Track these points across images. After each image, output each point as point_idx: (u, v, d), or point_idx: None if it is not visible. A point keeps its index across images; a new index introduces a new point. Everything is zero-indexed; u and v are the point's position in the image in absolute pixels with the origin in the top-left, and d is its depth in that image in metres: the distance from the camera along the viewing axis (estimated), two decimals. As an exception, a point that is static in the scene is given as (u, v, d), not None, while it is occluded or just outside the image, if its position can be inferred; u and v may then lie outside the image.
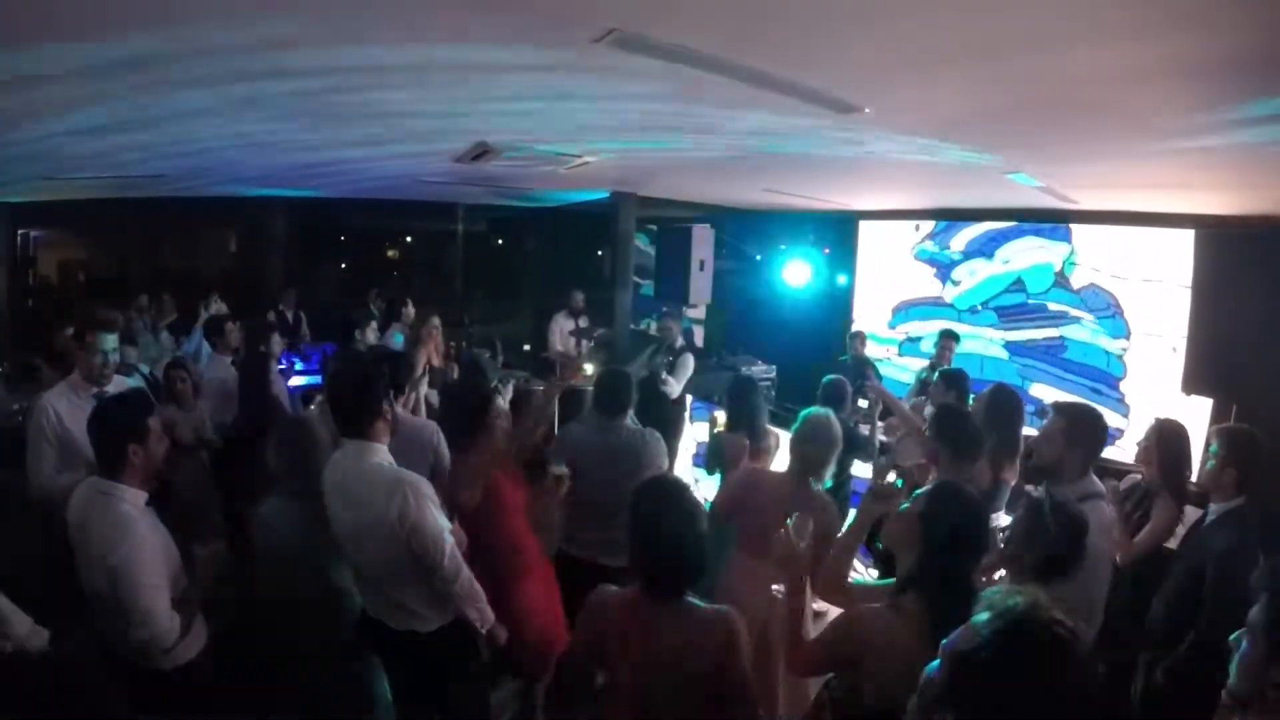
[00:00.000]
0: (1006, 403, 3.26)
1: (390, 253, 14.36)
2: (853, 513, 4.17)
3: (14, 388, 4.20)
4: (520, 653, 2.73)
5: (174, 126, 3.32)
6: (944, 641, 1.20)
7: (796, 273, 7.31)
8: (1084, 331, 5.42)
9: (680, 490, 1.88)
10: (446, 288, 10.03)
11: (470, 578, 2.27)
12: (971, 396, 3.93)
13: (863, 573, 3.15)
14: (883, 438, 4.22)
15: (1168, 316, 5.03)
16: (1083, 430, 2.54)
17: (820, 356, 6.11)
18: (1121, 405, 5.22)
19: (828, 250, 7.72)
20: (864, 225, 7.14)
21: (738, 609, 1.85)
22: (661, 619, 1.75)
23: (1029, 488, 3.36)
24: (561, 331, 6.92)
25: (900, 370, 6.72)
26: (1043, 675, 1.08)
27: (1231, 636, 1.62)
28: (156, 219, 8.63)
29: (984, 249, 6.17)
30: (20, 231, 8.36)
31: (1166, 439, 2.75)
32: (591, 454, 2.97)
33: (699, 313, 8.07)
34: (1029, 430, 3.22)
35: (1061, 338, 5.60)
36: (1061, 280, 5.63)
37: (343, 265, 13.16)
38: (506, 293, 10.98)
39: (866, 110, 2.84)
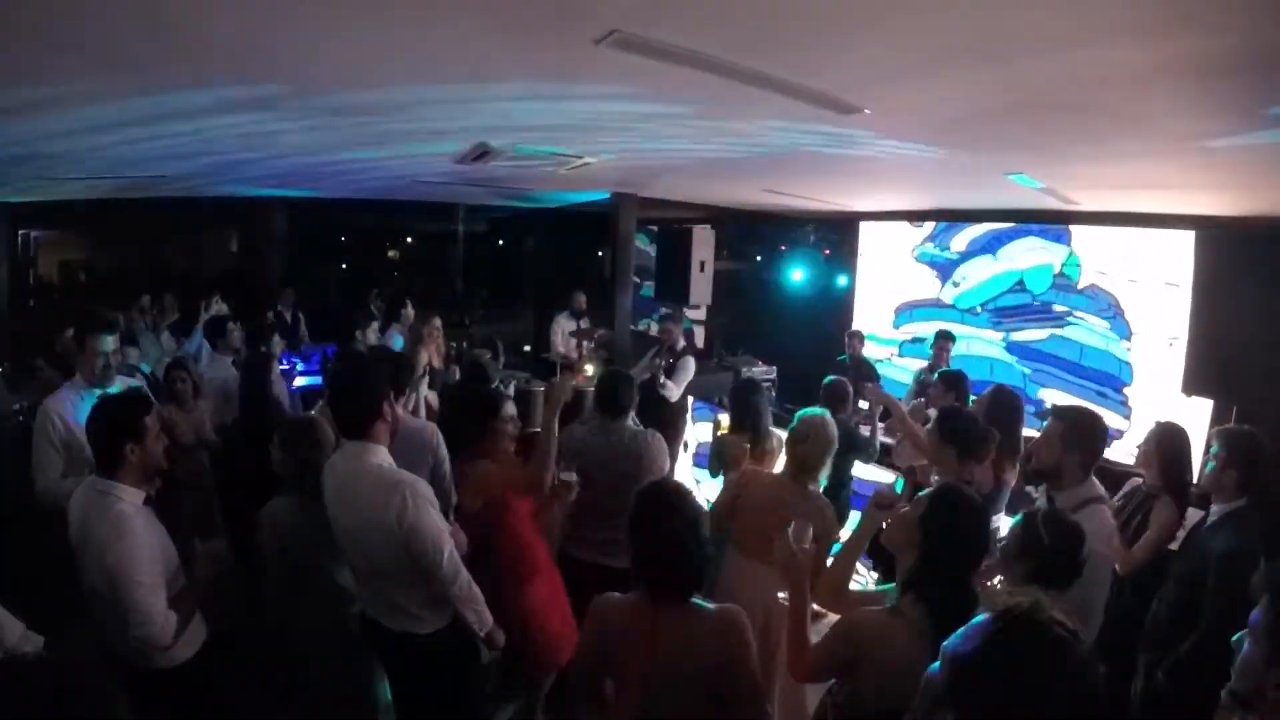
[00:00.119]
0: (1007, 404, 3.27)
1: (391, 253, 14.36)
2: (854, 514, 4.21)
3: (15, 387, 4.21)
4: (525, 657, 2.73)
5: (175, 127, 3.33)
6: (945, 643, 1.20)
7: (797, 274, 7.32)
8: (1094, 337, 5.41)
9: (681, 495, 1.88)
10: (447, 288, 10.05)
11: (469, 580, 2.26)
12: (972, 398, 3.94)
13: (864, 575, 3.15)
14: (884, 439, 4.22)
15: (1168, 318, 5.03)
16: (1081, 434, 2.52)
17: (821, 358, 6.11)
18: (1124, 408, 5.22)
19: (828, 251, 7.73)
20: (864, 226, 7.15)
21: None
22: (668, 622, 1.75)
23: (1029, 489, 3.38)
24: (563, 332, 6.92)
25: (899, 370, 6.73)
26: (1042, 675, 1.08)
27: (1233, 638, 1.63)
28: (157, 219, 8.63)
29: (984, 250, 6.17)
30: (21, 231, 8.36)
31: (1167, 442, 2.75)
32: (593, 455, 2.97)
33: (700, 314, 8.08)
34: (1030, 431, 3.23)
35: (1069, 340, 5.58)
36: (1062, 281, 5.63)
37: (343, 265, 13.17)
38: (507, 293, 10.99)
39: (867, 111, 2.84)
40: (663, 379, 4.81)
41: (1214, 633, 2.21)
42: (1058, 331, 5.64)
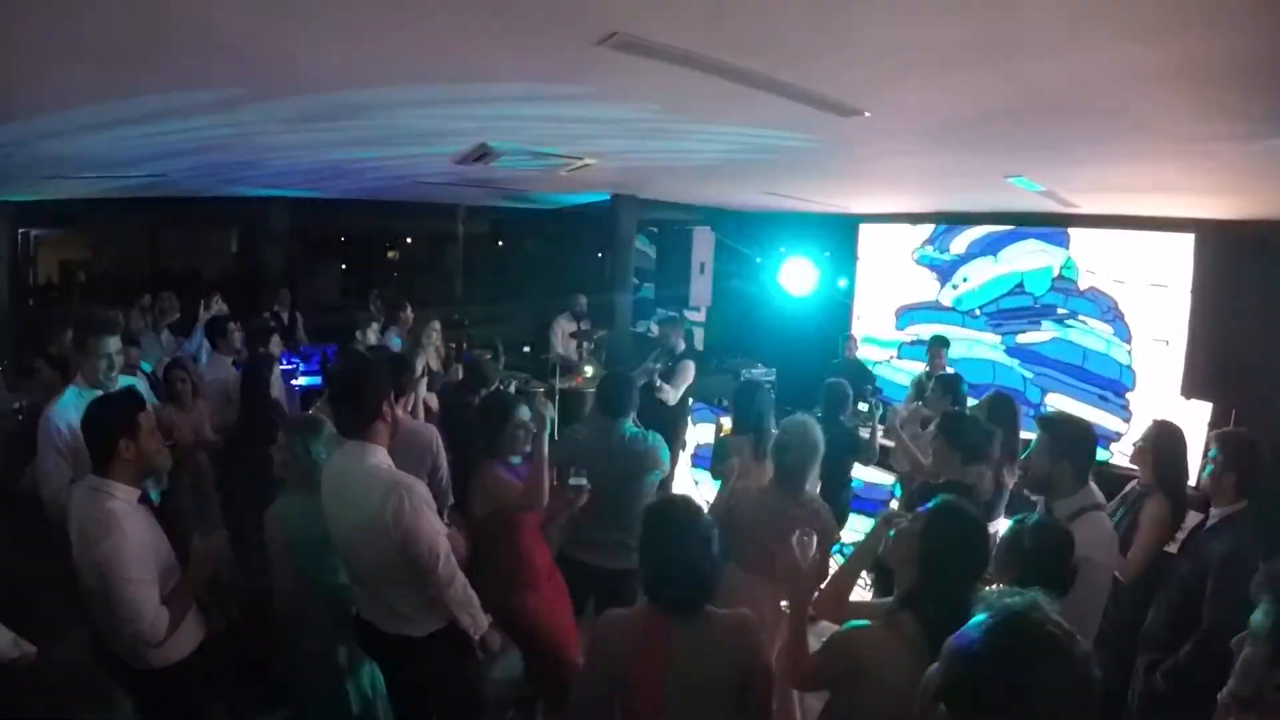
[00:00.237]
0: (1005, 408, 3.28)
1: (390, 254, 14.34)
2: (853, 517, 4.21)
3: (14, 385, 4.20)
4: (543, 660, 2.74)
5: (176, 127, 3.33)
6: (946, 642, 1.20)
7: (796, 276, 7.31)
8: (1096, 341, 5.41)
9: (692, 509, 1.88)
10: (447, 289, 10.04)
11: (464, 583, 2.25)
12: (972, 401, 3.95)
13: (862, 588, 3.14)
14: (883, 441, 4.23)
15: (1167, 321, 5.03)
16: (1068, 442, 2.49)
17: (820, 360, 6.12)
18: (1125, 411, 5.22)
19: (828, 253, 7.72)
20: (864, 228, 7.14)
21: None
22: (682, 631, 1.75)
23: (1027, 491, 3.38)
24: (563, 333, 6.91)
25: (897, 372, 6.74)
26: (1036, 673, 1.08)
27: (1233, 640, 1.63)
28: (157, 219, 8.63)
29: (984, 252, 6.18)
30: (21, 231, 8.35)
31: (1162, 440, 2.75)
32: (594, 457, 2.96)
33: (700, 315, 8.08)
34: (1027, 435, 3.23)
35: (1070, 344, 5.58)
36: (1062, 284, 5.63)
37: (343, 266, 13.15)
38: (507, 294, 10.98)
39: (867, 114, 2.85)
40: (658, 382, 4.79)
41: (1213, 635, 2.21)
42: (1059, 335, 5.64)
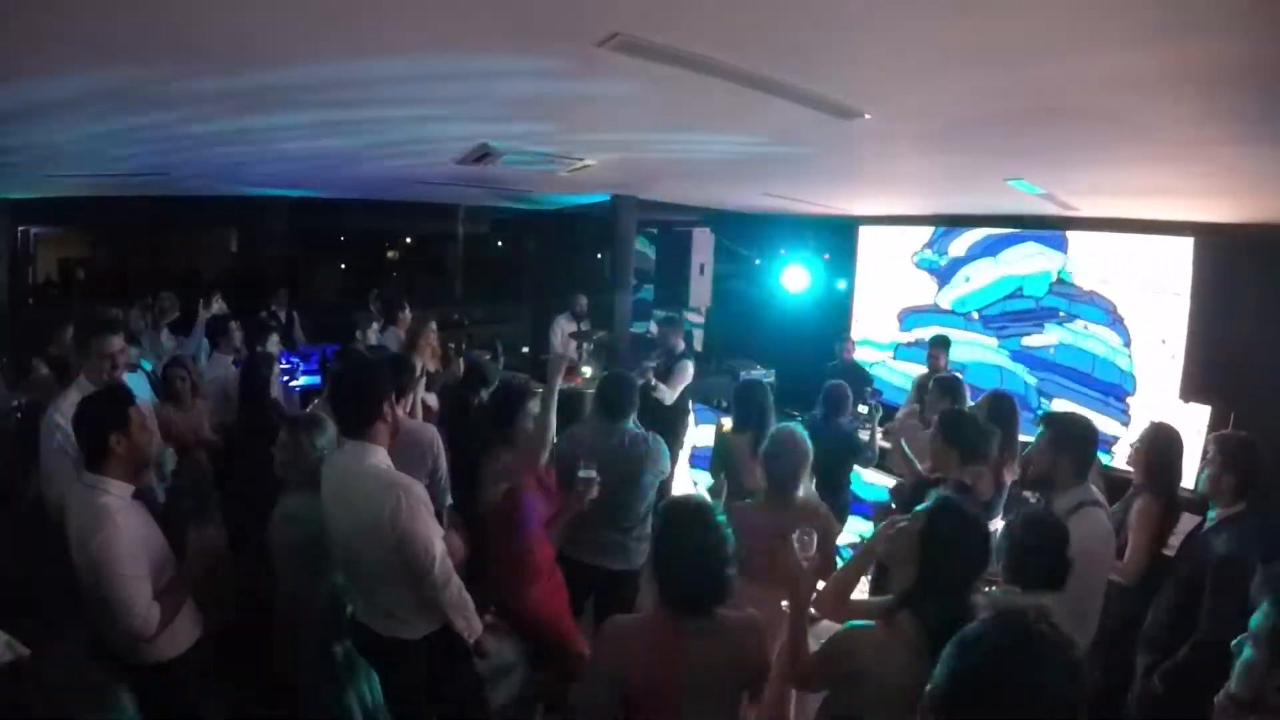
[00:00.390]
0: (1004, 407, 3.28)
1: (390, 254, 14.34)
2: (852, 519, 4.21)
3: (13, 384, 4.20)
4: (549, 650, 2.74)
5: (176, 126, 3.33)
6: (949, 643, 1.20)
7: (796, 277, 7.32)
8: (1099, 345, 5.41)
9: (706, 509, 1.86)
10: (447, 289, 10.04)
11: (459, 586, 2.24)
12: (971, 403, 3.95)
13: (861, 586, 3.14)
14: (882, 443, 4.23)
15: (1166, 324, 5.04)
16: (1070, 438, 2.54)
17: (820, 361, 6.12)
18: (1125, 415, 5.23)
19: (827, 256, 7.73)
20: (864, 230, 7.16)
21: None
22: (695, 633, 1.74)
23: (1025, 493, 3.39)
24: (562, 333, 6.91)
25: (894, 374, 6.76)
26: (1030, 679, 1.08)
27: (1233, 642, 1.63)
28: (157, 217, 8.62)
29: (983, 255, 6.18)
30: (21, 228, 8.35)
31: (1157, 441, 2.76)
32: (594, 457, 2.95)
33: (699, 317, 8.09)
34: (1027, 438, 3.24)
35: (1073, 349, 5.58)
36: (1061, 287, 5.64)
37: (343, 266, 13.15)
38: (507, 294, 10.98)
39: (868, 116, 2.85)
40: (654, 381, 4.79)
41: (1211, 637, 2.22)
42: (1060, 339, 5.64)
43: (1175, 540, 2.78)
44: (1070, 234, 5.55)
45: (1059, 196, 4.59)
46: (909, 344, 6.77)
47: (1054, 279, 5.67)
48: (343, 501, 2.21)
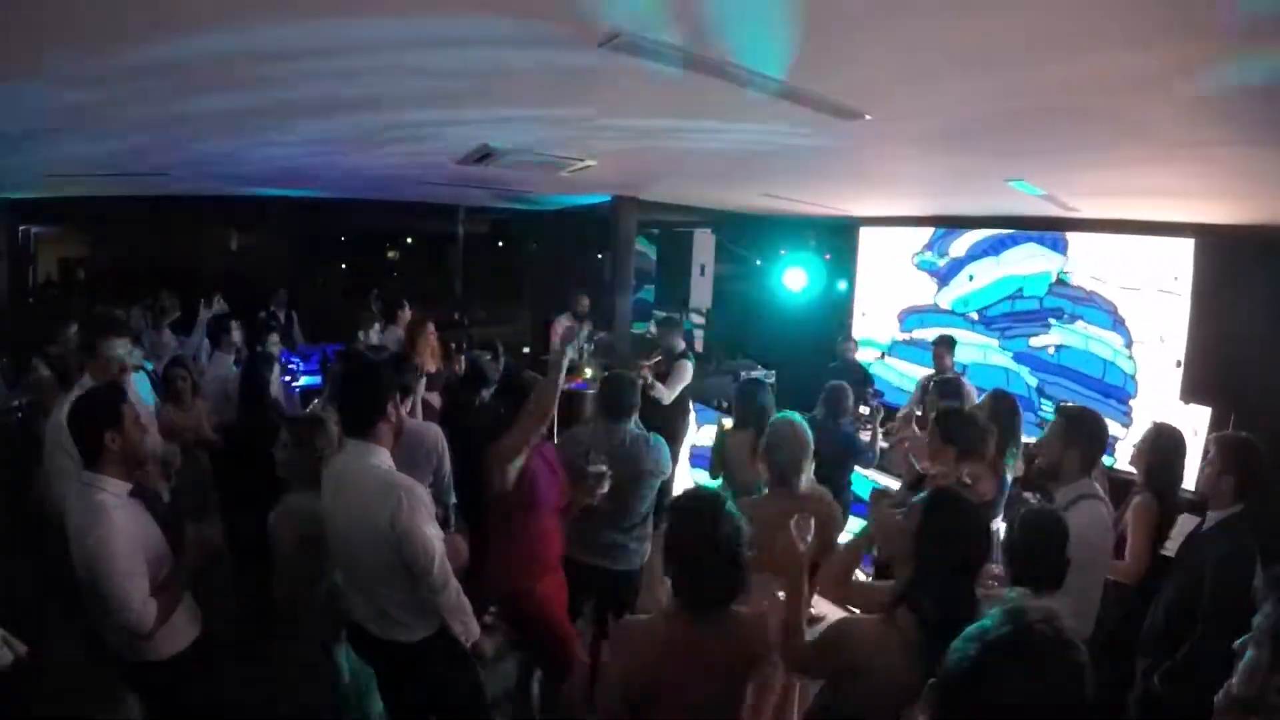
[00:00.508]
0: (1006, 406, 3.28)
1: (391, 253, 14.37)
2: (852, 519, 4.22)
3: (14, 383, 4.20)
4: (550, 646, 2.73)
5: (177, 124, 3.33)
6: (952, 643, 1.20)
7: (796, 278, 7.33)
8: (1102, 347, 5.41)
9: (722, 502, 1.84)
10: (447, 289, 10.04)
11: (458, 589, 2.23)
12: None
13: (862, 579, 3.15)
14: (883, 444, 4.23)
15: (1167, 325, 5.04)
16: (1081, 430, 2.60)
17: (820, 362, 6.13)
18: (1126, 416, 5.23)
19: (828, 256, 7.73)
20: (864, 231, 7.16)
21: None
22: (710, 630, 1.73)
23: (1026, 494, 3.39)
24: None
25: (888, 370, 6.77)
26: (1031, 673, 1.09)
27: (1235, 643, 1.63)
28: (157, 217, 8.63)
29: (983, 256, 6.19)
30: (21, 228, 8.35)
31: (1159, 441, 2.78)
32: (590, 456, 2.95)
33: (700, 317, 8.09)
34: (1027, 438, 3.25)
35: (1076, 351, 5.58)
36: (1061, 289, 5.64)
37: (343, 266, 13.17)
38: (507, 295, 10.99)
39: (868, 117, 2.85)
40: (650, 380, 4.79)
41: (1210, 637, 2.22)
42: (1062, 341, 5.64)
43: (1175, 541, 2.78)
44: (1070, 235, 5.55)
45: (1059, 197, 4.59)
46: (905, 341, 6.77)
47: (1054, 280, 5.67)
48: (343, 501, 2.21)
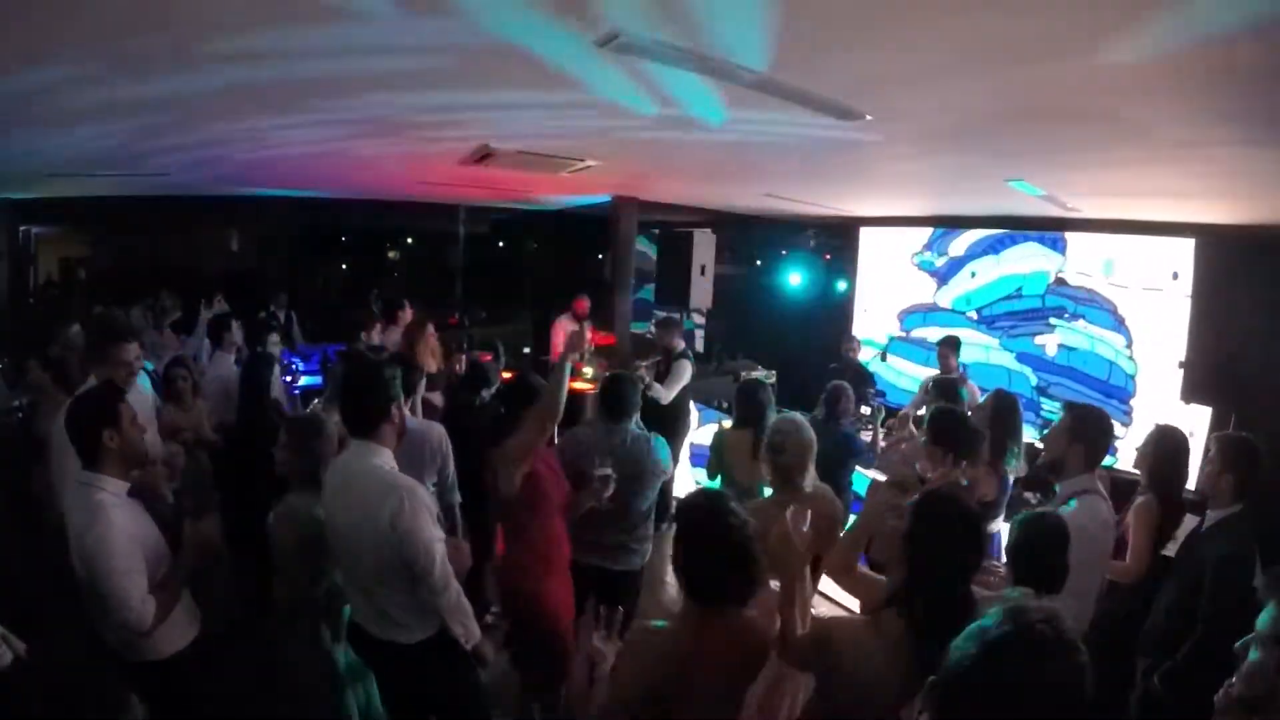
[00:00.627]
0: (1008, 407, 3.28)
1: (391, 253, 14.37)
2: (853, 519, 4.21)
3: (14, 384, 4.21)
4: (551, 651, 2.71)
5: (177, 124, 3.33)
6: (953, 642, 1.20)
7: (797, 278, 7.34)
8: (1101, 346, 5.42)
9: (729, 500, 1.81)
10: (447, 289, 10.05)
11: (459, 591, 2.22)
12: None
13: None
14: (884, 444, 4.23)
15: (1167, 325, 5.04)
16: (1087, 427, 2.62)
17: (821, 362, 6.13)
18: (1127, 416, 5.23)
19: (828, 256, 7.75)
20: (865, 232, 7.16)
21: None
22: (723, 632, 1.71)
23: (1027, 494, 3.39)
24: (565, 335, 6.92)
25: (889, 371, 6.77)
26: (1032, 672, 1.08)
27: (1237, 644, 1.62)
28: (158, 217, 8.64)
29: (983, 255, 6.19)
30: (22, 228, 8.36)
31: (1163, 444, 2.77)
32: (596, 459, 2.95)
33: (700, 318, 8.10)
34: (1028, 439, 3.25)
35: (1078, 351, 5.58)
36: (1061, 288, 5.64)
37: (343, 266, 13.18)
38: (507, 295, 11.00)
39: (869, 117, 2.85)
40: (648, 380, 4.78)
41: (1210, 637, 2.22)
42: (1064, 341, 5.64)
43: (1176, 541, 2.78)
44: (1070, 235, 5.56)
45: (1059, 197, 4.59)
46: (902, 338, 6.77)
47: (1053, 279, 5.68)
48: (345, 501, 2.21)
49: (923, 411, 4.48)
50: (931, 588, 1.61)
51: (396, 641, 2.25)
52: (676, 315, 6.20)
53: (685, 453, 5.36)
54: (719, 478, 3.52)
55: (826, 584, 3.72)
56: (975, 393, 4.59)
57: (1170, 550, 2.76)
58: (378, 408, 2.21)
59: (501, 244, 12.21)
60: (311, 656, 2.49)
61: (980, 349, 6.09)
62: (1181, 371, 4.93)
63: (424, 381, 3.76)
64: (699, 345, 7.91)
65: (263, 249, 8.26)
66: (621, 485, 2.83)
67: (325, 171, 5.28)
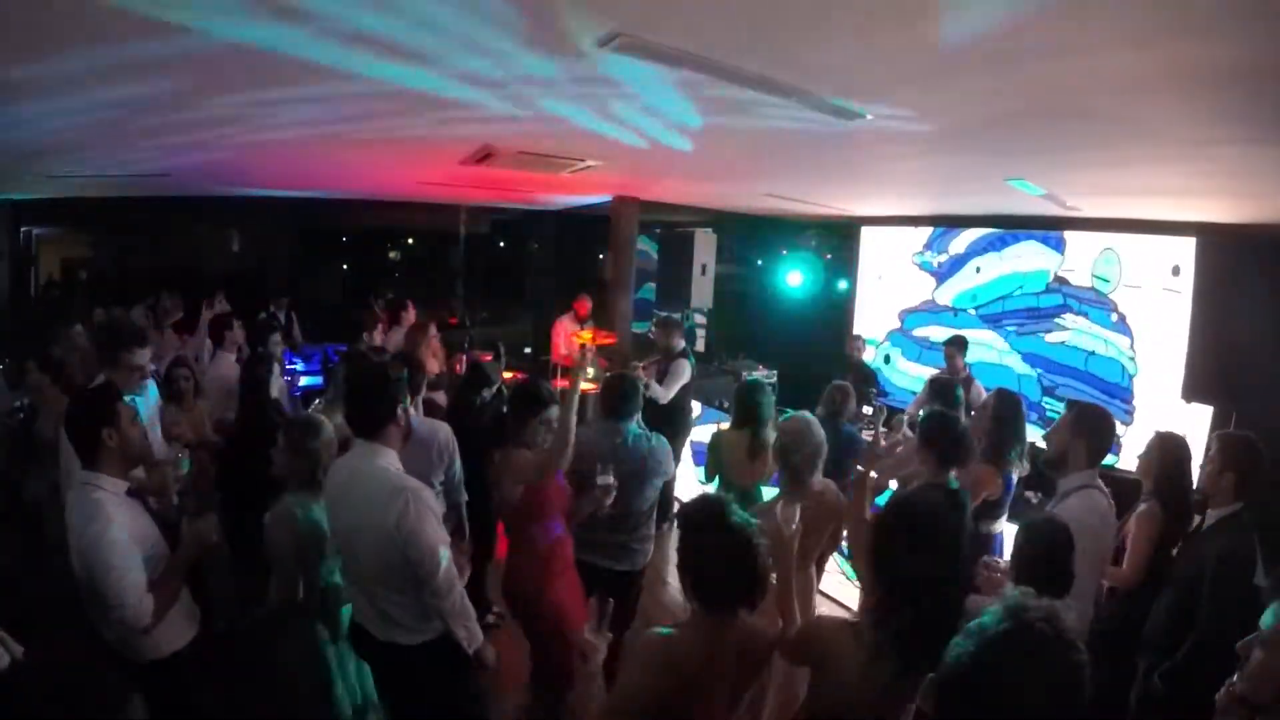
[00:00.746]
0: (1010, 404, 3.27)
1: (392, 254, 14.37)
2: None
3: (15, 384, 4.21)
4: (557, 656, 2.71)
5: (177, 124, 3.34)
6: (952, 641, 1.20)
7: (797, 278, 7.33)
8: (1102, 345, 5.42)
9: (730, 511, 1.77)
10: (448, 289, 10.06)
11: (462, 594, 2.22)
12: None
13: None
14: (884, 445, 4.22)
15: (1168, 324, 5.04)
16: (1089, 423, 2.63)
17: (821, 362, 6.13)
18: (1128, 415, 5.23)
19: (829, 256, 7.75)
20: (865, 231, 7.16)
21: None
22: (733, 636, 1.70)
23: (1028, 494, 3.38)
24: (566, 334, 6.92)
25: (889, 369, 6.76)
26: (1032, 671, 1.08)
27: (1239, 644, 1.61)
28: (159, 218, 8.65)
29: (983, 254, 6.19)
30: (23, 229, 8.37)
31: (1165, 451, 2.75)
32: (599, 459, 2.94)
33: (701, 317, 8.10)
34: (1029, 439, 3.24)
35: (1079, 350, 5.58)
36: (1061, 287, 5.64)
37: (344, 266, 13.18)
38: (508, 295, 11.00)
39: (869, 117, 2.85)
40: (648, 380, 4.78)
41: (1210, 636, 2.22)
42: (1065, 340, 5.64)
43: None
44: (1070, 234, 5.56)
45: (1060, 197, 4.59)
46: (900, 332, 6.77)
47: (1053, 278, 5.67)
48: (348, 502, 2.21)
49: (922, 413, 4.48)
50: (911, 597, 1.58)
51: (397, 642, 2.24)
52: (677, 315, 6.19)
53: (686, 452, 5.36)
54: (716, 479, 3.52)
55: (827, 584, 3.75)
56: (981, 393, 4.58)
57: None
58: (384, 410, 2.21)
59: (502, 244, 12.21)
60: (307, 656, 2.50)
61: (982, 347, 6.10)
62: (1182, 369, 4.92)
63: (425, 382, 3.76)
64: (700, 345, 7.91)
65: (263, 249, 8.26)
66: (623, 485, 2.83)
67: (325, 170, 5.28)
